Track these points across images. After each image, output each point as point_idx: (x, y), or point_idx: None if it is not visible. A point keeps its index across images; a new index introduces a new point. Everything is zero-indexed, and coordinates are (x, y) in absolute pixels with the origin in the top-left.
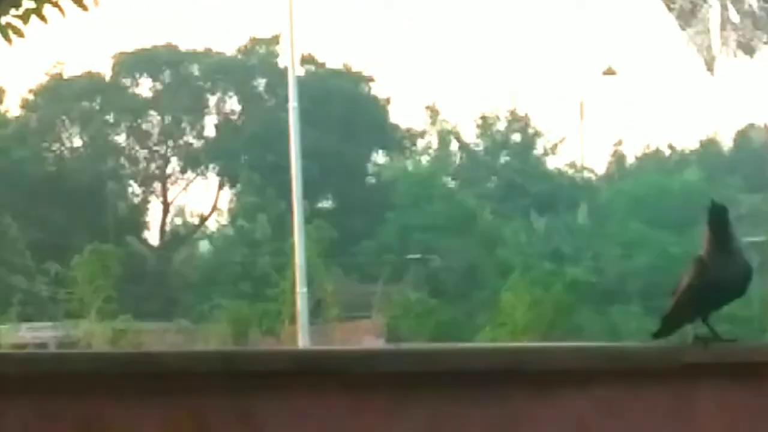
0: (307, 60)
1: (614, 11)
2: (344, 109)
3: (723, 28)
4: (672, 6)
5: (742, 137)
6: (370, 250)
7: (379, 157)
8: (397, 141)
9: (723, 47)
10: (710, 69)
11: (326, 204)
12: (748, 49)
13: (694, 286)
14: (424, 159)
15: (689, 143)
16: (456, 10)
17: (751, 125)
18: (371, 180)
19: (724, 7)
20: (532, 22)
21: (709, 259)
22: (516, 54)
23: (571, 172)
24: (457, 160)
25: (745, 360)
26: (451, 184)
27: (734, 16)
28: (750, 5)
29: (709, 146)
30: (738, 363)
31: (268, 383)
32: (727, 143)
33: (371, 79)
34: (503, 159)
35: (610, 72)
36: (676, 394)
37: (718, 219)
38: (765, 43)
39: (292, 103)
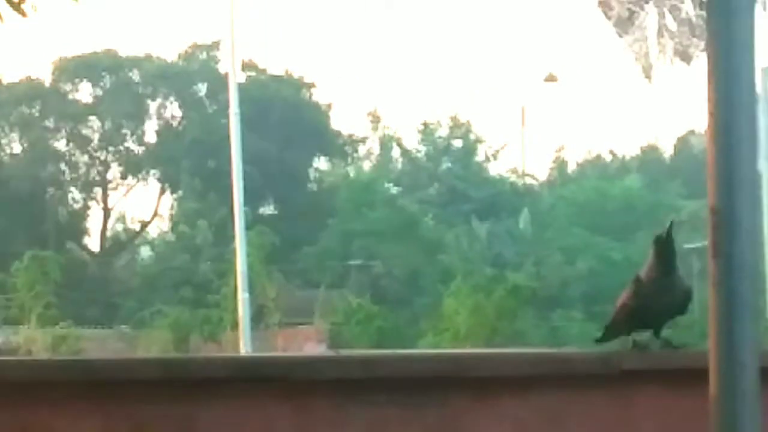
0: (248, 66)
1: (555, 18)
2: (286, 115)
3: (660, 35)
4: (610, 14)
5: (683, 143)
6: (312, 256)
7: (321, 163)
8: (339, 147)
9: (660, 54)
10: (648, 76)
11: (268, 210)
12: (685, 57)
13: (630, 306)
14: (366, 165)
15: (630, 149)
16: (398, 15)
17: (692, 131)
18: (313, 186)
19: (661, 15)
20: (474, 28)
21: (648, 281)
22: (458, 60)
23: (512, 178)
24: (399, 166)
25: (682, 366)
26: (393, 190)
27: (671, 24)
28: (687, 12)
29: (650, 152)
30: (675, 369)
31: (208, 390)
32: (667, 149)
33: (312, 85)
34: (445, 165)
35: (551, 78)
36: (615, 400)
37: (664, 246)
38: (702, 50)
39: (233, 109)
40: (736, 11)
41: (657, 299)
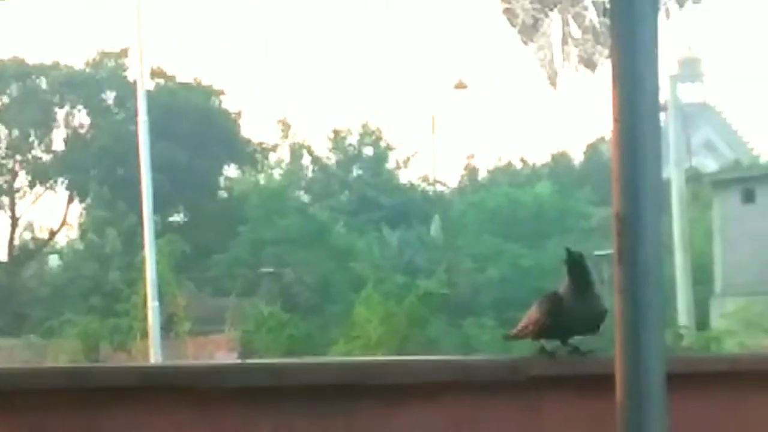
0: (156, 73)
1: (465, 26)
2: (195, 122)
3: (564, 42)
4: (515, 21)
5: (593, 151)
6: (223, 264)
7: (231, 170)
8: (249, 155)
9: (565, 62)
10: (553, 84)
11: (178, 218)
12: (590, 64)
13: (543, 323)
14: (277, 173)
15: (540, 157)
16: (308, 22)
17: (601, 139)
18: (223, 194)
19: (565, 22)
20: (384, 36)
21: (565, 299)
22: (368, 68)
23: (423, 185)
24: (310, 174)
25: (590, 372)
26: (304, 197)
27: (575, 31)
28: (591, 20)
29: (560, 159)
30: (583, 375)
31: (114, 399)
32: (577, 156)
33: (222, 93)
34: (356, 172)
35: (461, 86)
36: (523, 406)
37: (575, 265)
38: (607, 57)
39: (142, 117)
40: (639, 19)
41: (570, 318)
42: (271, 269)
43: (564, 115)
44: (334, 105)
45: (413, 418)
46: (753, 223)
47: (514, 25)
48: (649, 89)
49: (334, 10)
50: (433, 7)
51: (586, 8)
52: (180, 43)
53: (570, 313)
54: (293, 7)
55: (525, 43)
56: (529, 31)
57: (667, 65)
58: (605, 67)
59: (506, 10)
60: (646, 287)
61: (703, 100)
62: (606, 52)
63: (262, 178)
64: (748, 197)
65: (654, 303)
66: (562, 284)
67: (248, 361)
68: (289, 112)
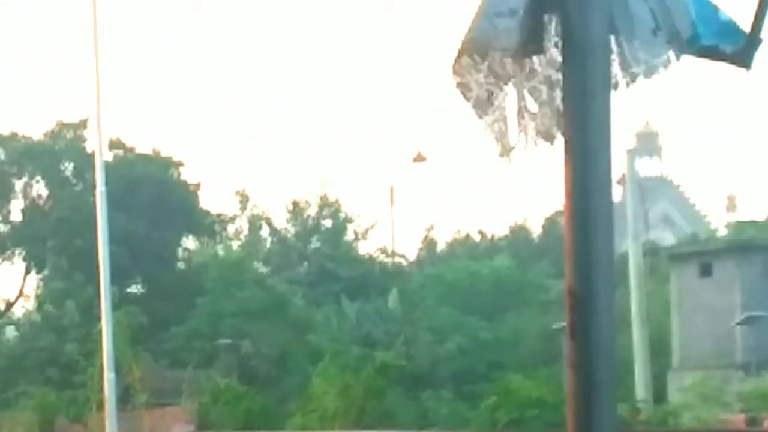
0: (115, 144)
1: (423, 99)
2: (154, 193)
3: (521, 116)
4: (468, 95)
5: (551, 223)
6: (180, 336)
7: (190, 242)
8: (208, 226)
9: (521, 135)
10: (507, 157)
11: (136, 289)
12: (548, 137)
13: None
14: (235, 244)
15: (499, 229)
16: (266, 94)
17: (559, 212)
18: (181, 265)
19: (521, 96)
20: (343, 108)
21: None
22: (327, 140)
23: (382, 257)
24: (268, 246)
25: None
26: (263, 269)
27: (531, 105)
28: (547, 94)
29: (519, 232)
30: None
31: None
32: (536, 229)
33: (181, 164)
34: (314, 244)
35: (419, 158)
36: None
37: None
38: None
39: (100, 188)
40: (591, 94)
41: None
42: (228, 341)
43: (522, 188)
44: (293, 176)
45: None
46: (710, 297)
47: (468, 100)
48: (601, 165)
49: (294, 81)
50: (393, 79)
51: (541, 82)
52: (139, 113)
53: None
54: (252, 79)
55: (480, 117)
56: (484, 104)
57: (624, 139)
58: (562, 139)
59: (460, 85)
60: (598, 363)
61: (661, 173)
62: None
63: (220, 250)
64: (705, 271)
65: (606, 379)
66: None
67: None
68: (248, 183)
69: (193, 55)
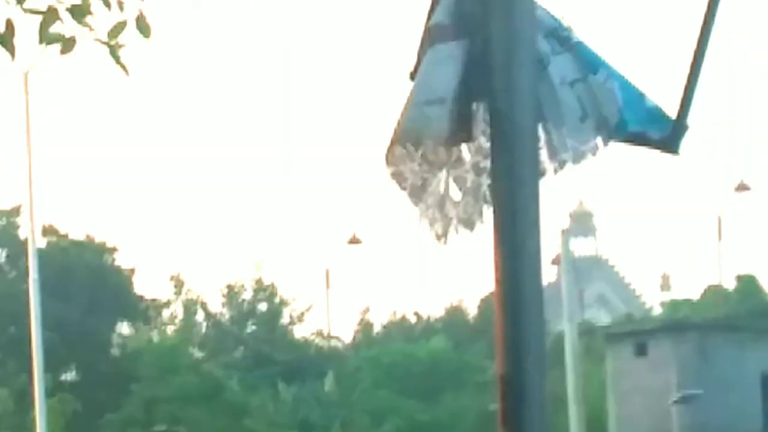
0: (48, 231)
1: (358, 181)
2: (87, 280)
3: (443, 204)
4: (404, 184)
5: (486, 304)
6: (115, 423)
7: (124, 327)
8: (142, 311)
9: (443, 223)
10: (442, 241)
11: (70, 376)
12: (469, 224)
13: None
14: (170, 329)
15: (435, 310)
16: (200, 178)
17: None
18: (116, 351)
19: (446, 184)
20: (277, 192)
21: None
22: (261, 223)
23: (318, 340)
24: (203, 330)
25: None
26: (198, 354)
27: (455, 193)
28: (473, 181)
29: (454, 313)
30: None
31: None
32: (471, 310)
33: (115, 249)
34: (250, 328)
35: (355, 240)
36: None
37: None
38: (485, 219)
39: (33, 275)
40: (520, 181)
41: None
42: (164, 428)
43: (457, 270)
44: (227, 260)
45: None
46: (645, 376)
47: (403, 189)
48: (530, 252)
49: (227, 164)
50: (327, 163)
51: (467, 171)
52: (72, 200)
53: None
54: (185, 161)
55: (415, 204)
56: (418, 191)
57: (558, 219)
58: (485, 226)
59: (394, 174)
60: None
61: (596, 253)
62: (486, 212)
63: (155, 335)
64: (641, 350)
65: None
66: None
67: None
68: (182, 268)
69: (124, 136)
